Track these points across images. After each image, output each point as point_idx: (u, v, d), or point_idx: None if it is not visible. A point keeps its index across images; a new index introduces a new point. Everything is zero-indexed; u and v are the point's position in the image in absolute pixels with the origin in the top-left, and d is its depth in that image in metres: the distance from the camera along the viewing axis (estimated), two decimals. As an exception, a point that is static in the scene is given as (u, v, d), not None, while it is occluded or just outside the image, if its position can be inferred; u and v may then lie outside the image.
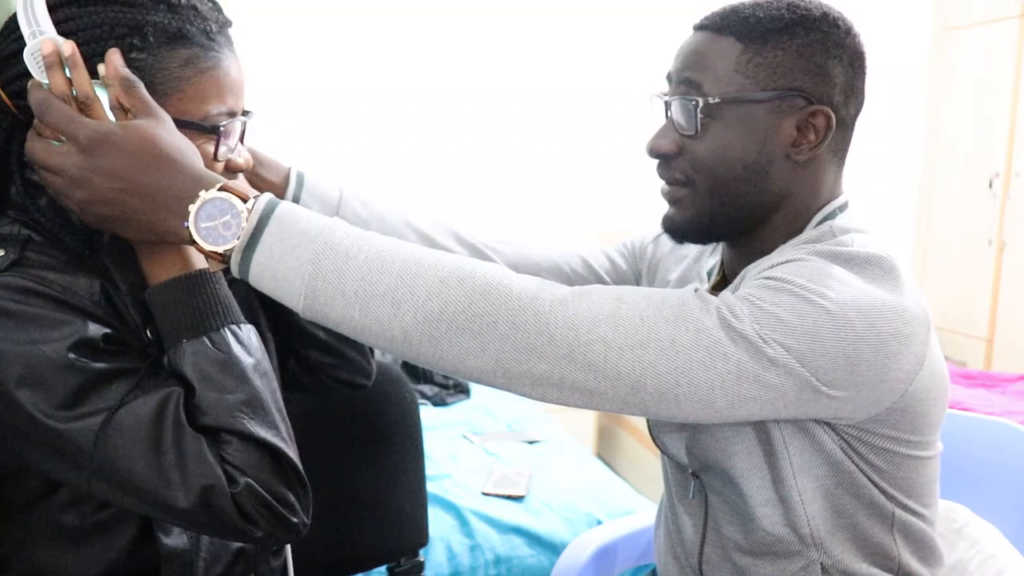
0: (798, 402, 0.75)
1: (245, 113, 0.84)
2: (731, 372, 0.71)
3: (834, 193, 0.90)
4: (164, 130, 0.72)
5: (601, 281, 1.12)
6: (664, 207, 0.92)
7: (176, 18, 0.76)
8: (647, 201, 3.98)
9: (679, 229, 0.91)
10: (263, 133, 1.05)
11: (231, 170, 0.84)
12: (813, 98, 0.84)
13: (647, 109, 0.93)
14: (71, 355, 0.69)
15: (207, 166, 0.77)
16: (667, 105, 0.89)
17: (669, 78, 0.91)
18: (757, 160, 0.85)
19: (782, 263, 0.80)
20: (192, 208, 0.69)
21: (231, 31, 0.83)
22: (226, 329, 0.74)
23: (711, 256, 1.01)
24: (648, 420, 0.97)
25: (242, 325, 0.76)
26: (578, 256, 1.14)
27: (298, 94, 3.27)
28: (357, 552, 1.34)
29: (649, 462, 2.88)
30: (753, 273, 0.82)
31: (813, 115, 0.84)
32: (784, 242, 0.88)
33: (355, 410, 1.29)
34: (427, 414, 2.31)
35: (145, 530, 0.79)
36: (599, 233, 3.73)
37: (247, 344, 0.76)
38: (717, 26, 0.86)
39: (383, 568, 1.42)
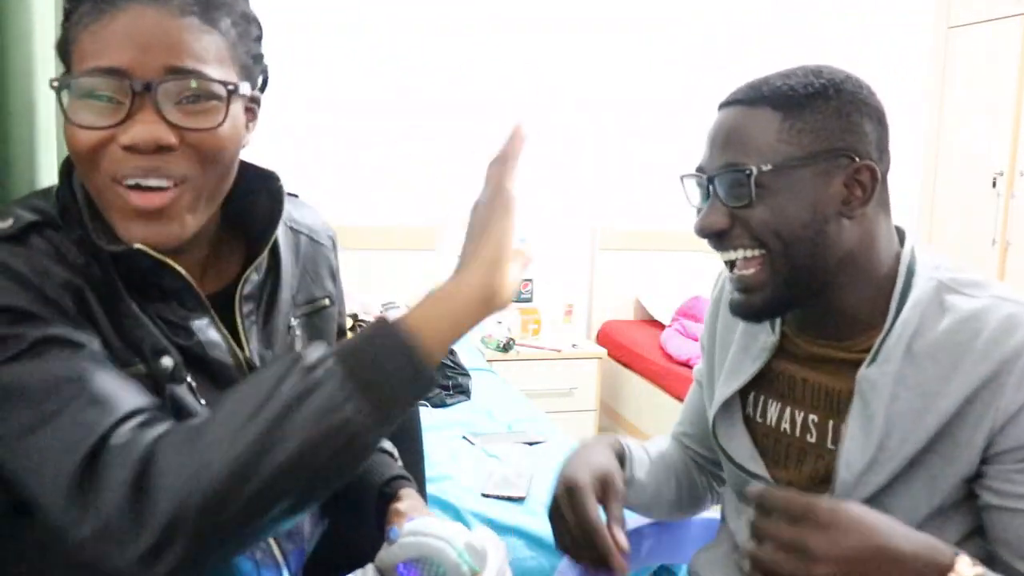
0: None
1: (178, 72, 0.69)
2: None
3: (892, 242, 0.92)
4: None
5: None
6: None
7: None
8: (646, 201, 3.95)
9: (756, 311, 0.92)
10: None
11: (122, 147, 0.70)
12: (857, 155, 0.86)
13: (681, 191, 0.97)
14: None
15: (70, 133, 0.70)
16: (710, 181, 0.90)
17: (701, 168, 0.92)
18: (812, 222, 0.86)
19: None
20: None
21: None
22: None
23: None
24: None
25: None
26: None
27: (303, 101, 3.26)
28: (356, 553, 1.33)
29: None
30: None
31: (858, 171, 0.87)
32: (858, 295, 0.90)
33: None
34: (427, 415, 2.30)
35: None
36: (601, 231, 3.72)
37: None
38: (750, 99, 0.89)
39: (381, 570, 1.41)
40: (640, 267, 3.80)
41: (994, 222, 3.46)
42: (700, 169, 0.93)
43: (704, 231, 0.91)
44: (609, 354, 3.57)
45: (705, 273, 3.74)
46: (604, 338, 3.73)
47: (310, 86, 3.27)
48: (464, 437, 2.24)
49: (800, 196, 0.86)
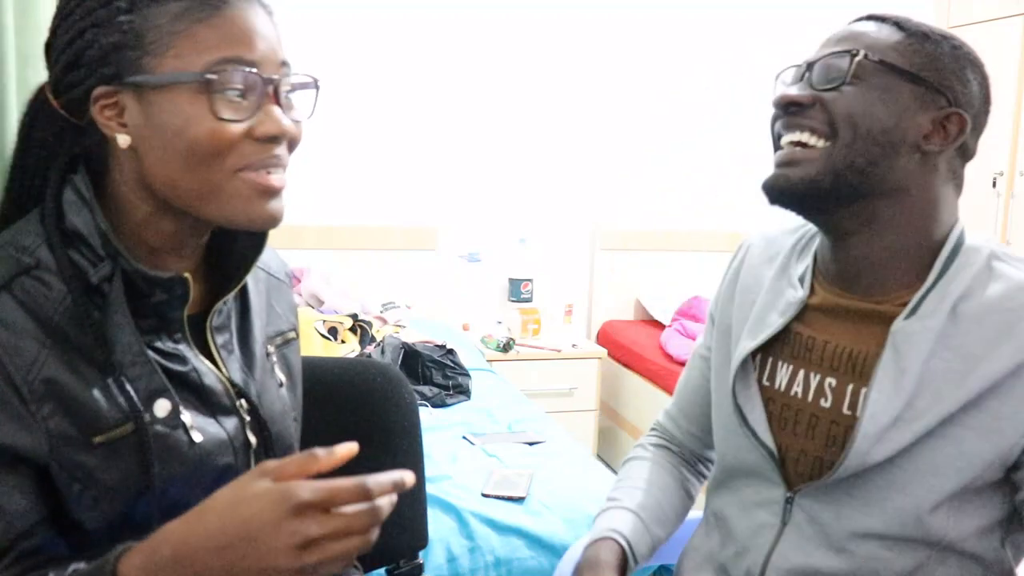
0: None
1: (288, 66, 0.74)
2: None
3: (950, 214, 0.91)
4: None
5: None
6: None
7: None
8: (646, 201, 3.95)
9: (789, 187, 0.88)
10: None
11: (257, 139, 0.73)
12: (956, 102, 0.86)
13: (772, 85, 0.94)
14: None
15: (211, 129, 0.70)
16: (809, 67, 0.90)
17: (804, 65, 0.92)
18: (892, 131, 0.85)
19: None
20: None
21: None
22: None
23: (798, 262, 1.01)
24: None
25: None
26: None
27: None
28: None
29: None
30: None
31: (948, 118, 0.86)
32: (898, 242, 0.88)
33: (354, 411, 1.27)
34: (427, 415, 2.30)
35: None
36: (601, 231, 3.72)
37: None
38: (880, 17, 0.90)
39: (382, 570, 1.41)
40: (640, 267, 3.79)
41: (994, 222, 3.46)
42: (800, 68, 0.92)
43: (782, 100, 0.89)
44: (609, 354, 3.57)
45: (705, 273, 3.74)
46: (604, 338, 3.73)
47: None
48: (464, 437, 2.24)
49: (891, 103, 0.85)
